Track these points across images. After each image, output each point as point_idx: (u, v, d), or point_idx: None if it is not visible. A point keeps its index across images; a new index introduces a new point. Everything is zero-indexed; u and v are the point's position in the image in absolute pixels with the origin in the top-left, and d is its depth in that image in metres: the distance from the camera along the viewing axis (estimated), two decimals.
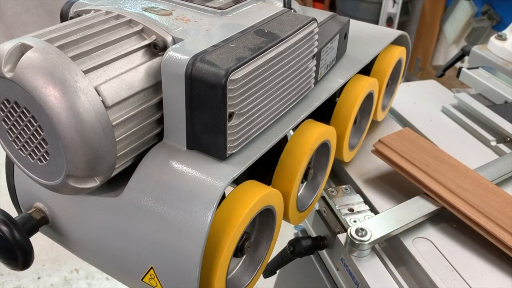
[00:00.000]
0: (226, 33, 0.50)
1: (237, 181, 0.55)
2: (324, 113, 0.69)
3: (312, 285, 0.87)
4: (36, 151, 0.45)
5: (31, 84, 0.40)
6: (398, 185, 0.71)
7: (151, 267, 0.47)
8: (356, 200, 0.68)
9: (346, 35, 0.71)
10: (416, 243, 0.61)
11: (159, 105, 0.49)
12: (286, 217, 0.60)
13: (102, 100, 0.43)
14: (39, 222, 0.54)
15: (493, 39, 1.16)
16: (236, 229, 0.46)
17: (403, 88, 1.01)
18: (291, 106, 0.57)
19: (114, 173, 0.48)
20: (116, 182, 0.49)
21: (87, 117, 0.41)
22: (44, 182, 0.46)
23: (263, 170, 0.60)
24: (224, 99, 0.44)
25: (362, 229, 0.59)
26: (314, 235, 0.79)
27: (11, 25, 2.83)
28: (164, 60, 0.46)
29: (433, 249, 0.60)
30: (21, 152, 0.46)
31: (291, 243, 0.73)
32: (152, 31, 0.49)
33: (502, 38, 1.14)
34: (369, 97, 0.74)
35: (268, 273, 0.84)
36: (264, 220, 0.55)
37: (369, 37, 0.78)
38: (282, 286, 1.06)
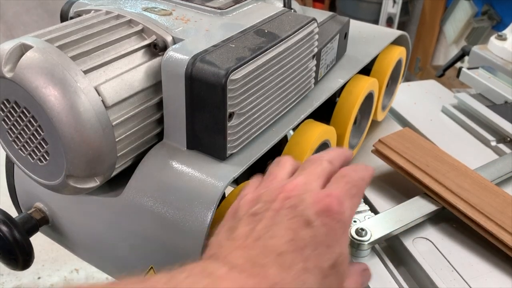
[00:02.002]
0: (226, 33, 0.50)
1: (237, 181, 0.55)
2: (324, 113, 0.69)
3: None
4: (36, 151, 0.45)
5: (31, 84, 0.40)
6: (398, 185, 0.71)
7: (151, 267, 0.47)
8: None
9: (346, 35, 0.71)
10: (416, 243, 0.61)
11: (159, 105, 0.49)
12: None
13: (102, 100, 0.43)
14: (39, 222, 0.54)
15: (493, 39, 1.16)
16: None
17: (403, 88, 1.01)
18: (291, 106, 0.57)
19: (114, 173, 0.48)
20: (116, 182, 0.49)
21: (87, 117, 0.41)
22: (44, 182, 0.46)
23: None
24: (224, 99, 0.44)
25: (362, 229, 0.59)
26: None
27: (11, 25, 2.83)
28: (164, 60, 0.46)
29: (433, 249, 0.60)
30: (21, 152, 0.46)
31: None
32: (152, 31, 0.49)
33: (502, 38, 1.14)
34: (369, 97, 0.74)
35: None
36: None
37: (369, 37, 0.78)
38: None
